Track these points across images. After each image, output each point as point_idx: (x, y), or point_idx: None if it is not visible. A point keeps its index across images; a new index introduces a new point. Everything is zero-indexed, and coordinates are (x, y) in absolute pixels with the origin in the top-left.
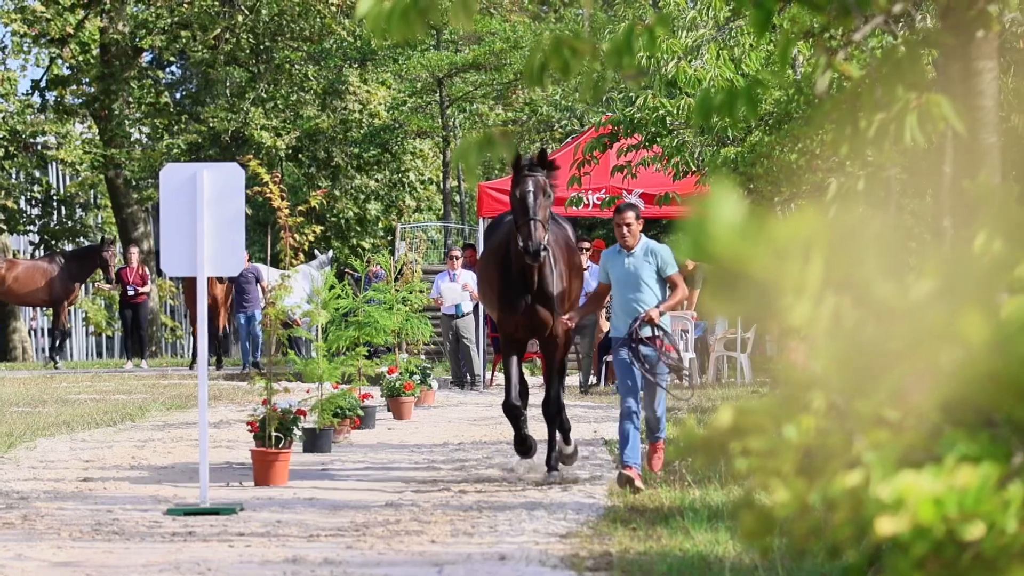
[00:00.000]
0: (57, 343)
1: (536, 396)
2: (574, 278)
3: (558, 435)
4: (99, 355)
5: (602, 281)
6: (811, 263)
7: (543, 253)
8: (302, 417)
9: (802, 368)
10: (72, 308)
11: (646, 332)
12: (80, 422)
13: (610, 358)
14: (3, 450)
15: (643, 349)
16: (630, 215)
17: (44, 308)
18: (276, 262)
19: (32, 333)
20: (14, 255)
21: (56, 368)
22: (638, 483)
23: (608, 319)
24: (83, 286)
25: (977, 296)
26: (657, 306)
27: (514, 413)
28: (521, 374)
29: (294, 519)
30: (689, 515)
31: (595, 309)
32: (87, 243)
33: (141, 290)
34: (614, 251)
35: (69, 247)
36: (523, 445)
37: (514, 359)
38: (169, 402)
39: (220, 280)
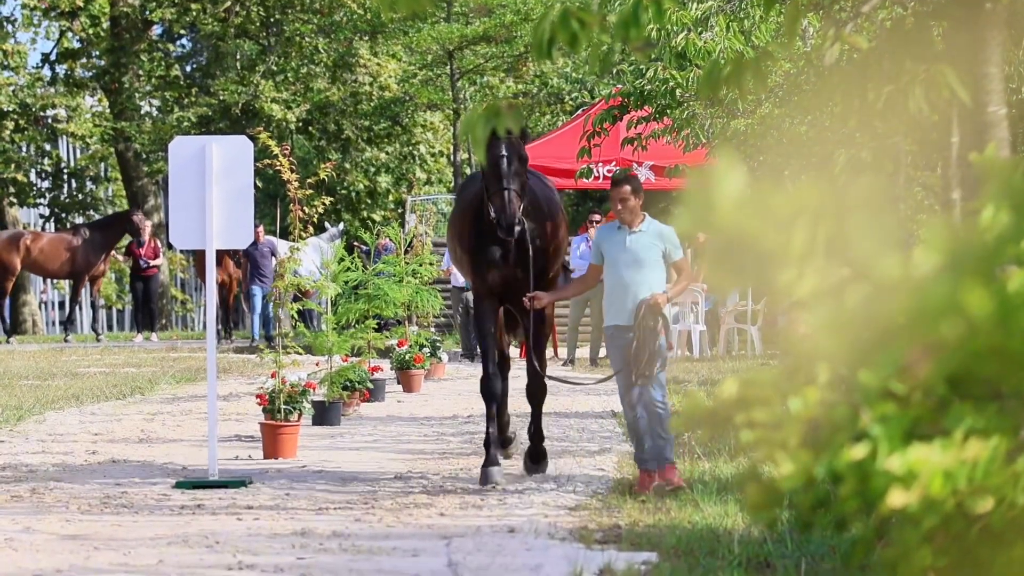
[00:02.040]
0: (69, 316)
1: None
2: (558, 243)
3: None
4: (109, 328)
5: (594, 262)
6: (815, 234)
7: (517, 228)
8: (311, 390)
9: (807, 340)
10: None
11: (647, 319)
12: (89, 395)
13: None
14: (12, 423)
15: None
16: (626, 189)
17: (55, 281)
18: (285, 234)
19: (42, 306)
20: (24, 228)
21: (66, 341)
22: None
23: None
24: (108, 258)
25: (983, 269)
26: (665, 292)
27: (491, 391)
28: (502, 348)
29: (303, 492)
30: (698, 487)
31: (580, 291)
32: (97, 216)
33: (153, 263)
34: (612, 228)
35: (79, 220)
36: (500, 437)
37: (490, 327)
38: (178, 375)
39: (232, 256)
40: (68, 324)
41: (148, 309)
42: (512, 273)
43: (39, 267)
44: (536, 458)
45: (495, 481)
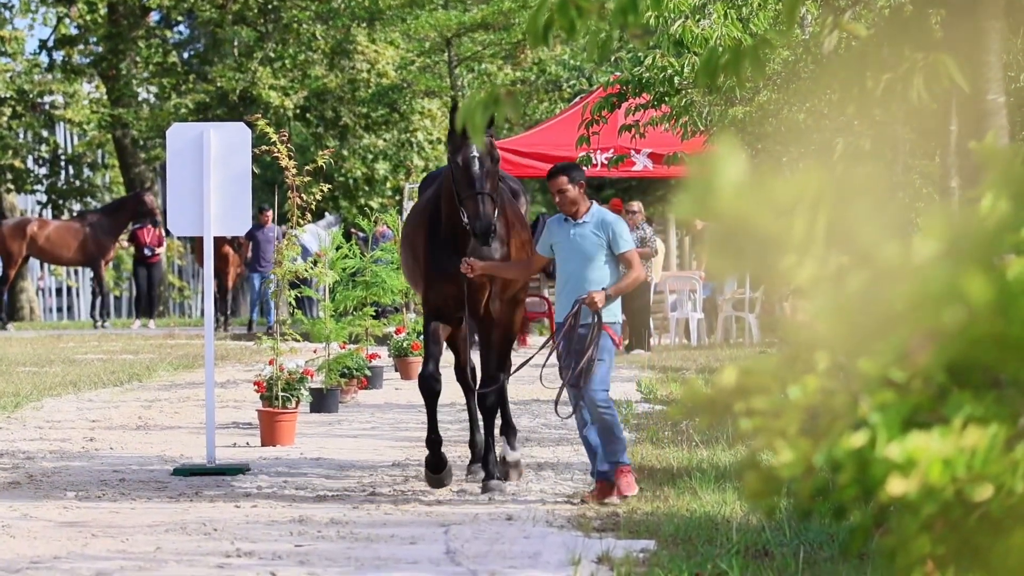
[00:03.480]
0: (100, 303)
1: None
2: (522, 242)
3: (500, 438)
4: (109, 315)
5: (539, 252)
6: (814, 221)
7: (495, 233)
8: (309, 377)
9: (807, 328)
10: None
11: (586, 319)
12: (87, 382)
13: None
14: (10, 410)
15: (581, 332)
16: (562, 180)
17: (52, 268)
18: (283, 221)
19: (40, 293)
20: (22, 214)
21: (103, 327)
22: (624, 490)
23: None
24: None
25: (983, 256)
26: (605, 288)
27: (430, 389)
28: (466, 353)
29: (301, 479)
30: (696, 475)
31: (520, 275)
32: (94, 203)
33: (158, 250)
34: (559, 219)
35: (76, 207)
36: (434, 455)
37: (438, 324)
38: (176, 362)
39: (230, 242)
40: (101, 311)
41: (150, 296)
42: (468, 283)
43: (47, 254)
44: (512, 468)
45: (444, 484)
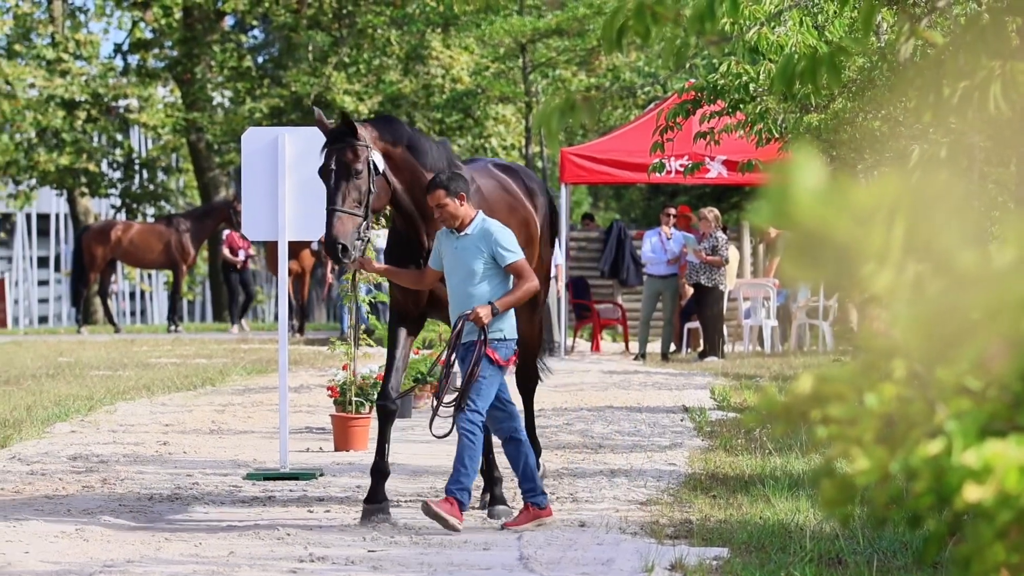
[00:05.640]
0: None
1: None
2: (521, 240)
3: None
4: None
5: (431, 266)
6: (893, 230)
7: (351, 255)
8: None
9: (883, 336)
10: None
11: (471, 335)
12: (160, 386)
13: (692, 324)
14: (83, 413)
15: (464, 350)
16: (439, 194)
17: (126, 271)
18: None
19: (113, 296)
20: (95, 218)
21: (176, 331)
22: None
23: (690, 284)
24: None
25: None
26: (491, 303)
27: (384, 410)
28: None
29: None
30: (770, 483)
31: (414, 284)
32: (168, 207)
33: (251, 254)
34: (446, 231)
35: (151, 211)
36: (377, 477)
37: (402, 333)
38: (249, 366)
39: (310, 248)
40: (172, 315)
41: (247, 300)
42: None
43: (131, 257)
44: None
45: (372, 522)
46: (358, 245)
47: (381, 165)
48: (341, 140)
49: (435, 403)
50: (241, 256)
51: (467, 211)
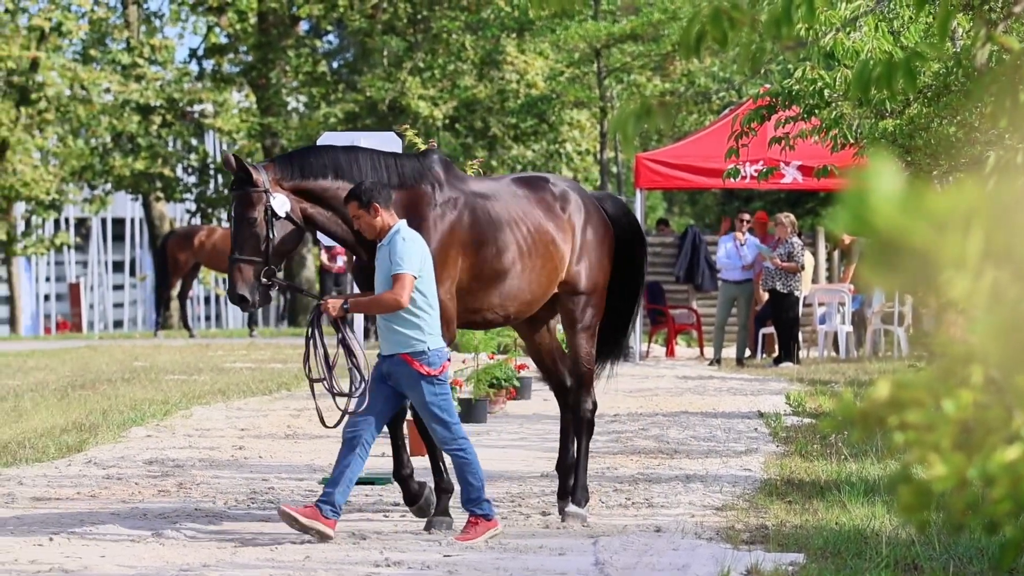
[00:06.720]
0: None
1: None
2: (544, 266)
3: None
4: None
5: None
6: (971, 236)
7: (251, 303)
8: (458, 387)
9: (961, 342)
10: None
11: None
12: (236, 390)
13: (767, 329)
14: (159, 417)
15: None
16: (352, 206)
17: (201, 276)
18: None
19: (189, 301)
20: (171, 223)
21: (252, 336)
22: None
23: (766, 289)
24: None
25: None
26: (346, 298)
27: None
28: (559, 374)
29: None
30: (846, 489)
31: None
32: None
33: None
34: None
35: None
36: (405, 490)
37: None
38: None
39: None
40: (251, 321)
41: None
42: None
43: (213, 262)
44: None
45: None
46: (263, 291)
47: (284, 208)
48: (239, 187)
49: (341, 403)
50: (339, 262)
51: (384, 221)
